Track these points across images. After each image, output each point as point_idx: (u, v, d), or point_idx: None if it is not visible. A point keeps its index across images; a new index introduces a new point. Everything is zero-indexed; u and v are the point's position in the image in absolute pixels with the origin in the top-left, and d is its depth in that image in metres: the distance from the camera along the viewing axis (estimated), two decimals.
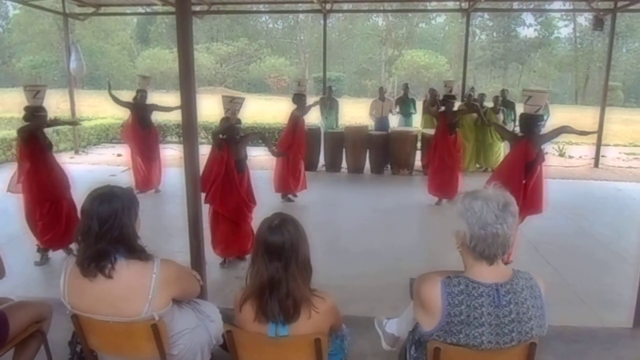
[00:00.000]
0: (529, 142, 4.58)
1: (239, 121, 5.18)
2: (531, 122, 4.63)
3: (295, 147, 7.43)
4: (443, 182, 7.38)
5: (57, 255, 5.12)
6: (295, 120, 7.49)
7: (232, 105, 5.05)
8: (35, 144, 4.90)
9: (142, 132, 7.91)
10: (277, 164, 7.49)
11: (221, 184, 4.79)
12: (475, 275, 1.89)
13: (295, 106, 7.53)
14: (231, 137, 4.95)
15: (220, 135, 4.90)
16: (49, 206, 4.98)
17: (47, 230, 4.98)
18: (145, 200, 6.57)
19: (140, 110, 7.90)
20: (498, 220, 1.82)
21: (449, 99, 7.48)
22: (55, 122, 5.67)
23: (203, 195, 4.51)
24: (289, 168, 7.43)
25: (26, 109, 4.96)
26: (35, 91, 4.98)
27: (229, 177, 4.83)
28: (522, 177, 4.53)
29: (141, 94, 7.90)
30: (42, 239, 5.03)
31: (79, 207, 2.32)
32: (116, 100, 7.97)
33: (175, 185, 7.62)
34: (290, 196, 7.70)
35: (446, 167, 7.33)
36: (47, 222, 4.97)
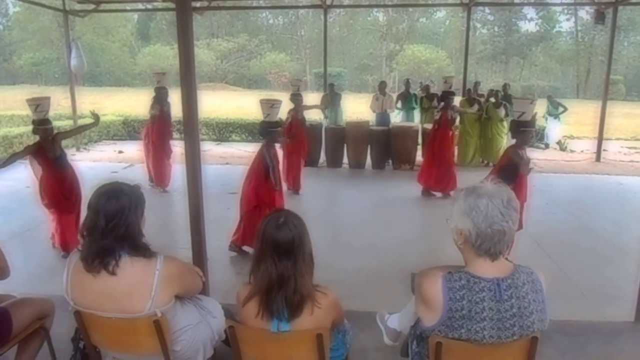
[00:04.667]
0: None
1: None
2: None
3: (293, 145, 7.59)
4: (439, 176, 7.49)
5: (59, 253, 5.13)
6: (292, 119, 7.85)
7: (272, 110, 5.22)
8: (43, 157, 4.85)
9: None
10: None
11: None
12: (476, 270, 1.89)
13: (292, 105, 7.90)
14: None
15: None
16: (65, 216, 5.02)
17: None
18: (150, 196, 6.61)
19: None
20: (504, 217, 1.81)
21: (448, 95, 7.50)
22: (68, 133, 5.80)
23: None
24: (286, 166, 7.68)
25: (32, 122, 4.93)
26: (35, 105, 4.84)
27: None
28: None
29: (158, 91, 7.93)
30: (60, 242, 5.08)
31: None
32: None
33: (178, 181, 7.65)
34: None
35: (443, 161, 7.43)
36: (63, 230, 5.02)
